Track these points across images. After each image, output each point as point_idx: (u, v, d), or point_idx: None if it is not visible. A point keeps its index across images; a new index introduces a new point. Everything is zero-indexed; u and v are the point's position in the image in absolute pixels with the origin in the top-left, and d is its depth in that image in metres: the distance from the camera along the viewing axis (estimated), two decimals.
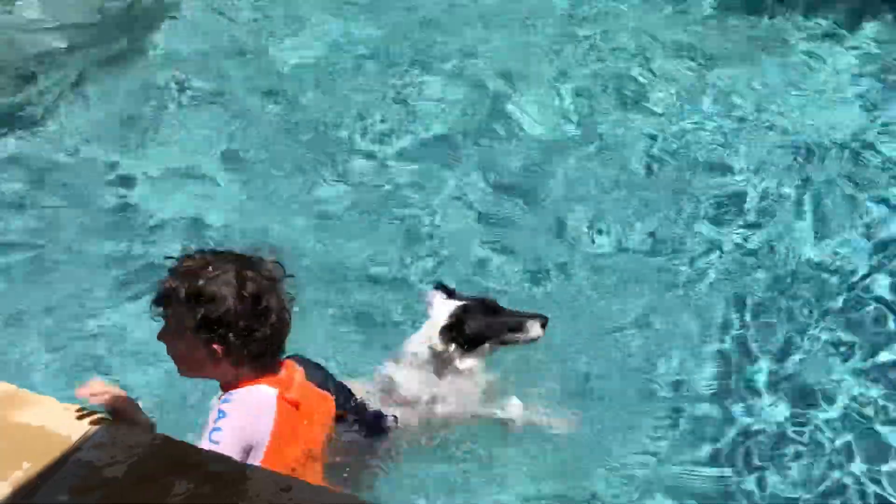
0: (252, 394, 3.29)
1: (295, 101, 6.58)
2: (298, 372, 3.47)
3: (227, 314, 3.17)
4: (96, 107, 6.49)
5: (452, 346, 4.15)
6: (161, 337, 3.34)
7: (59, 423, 3.17)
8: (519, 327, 4.22)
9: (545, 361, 4.63)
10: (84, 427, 3.14)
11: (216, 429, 3.19)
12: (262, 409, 3.27)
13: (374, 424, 3.83)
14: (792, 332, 5.11)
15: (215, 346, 3.22)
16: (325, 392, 3.60)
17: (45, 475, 2.99)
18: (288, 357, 3.48)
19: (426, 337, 4.24)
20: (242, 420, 3.25)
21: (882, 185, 5.89)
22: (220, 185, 5.98)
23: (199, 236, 5.45)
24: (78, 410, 3.19)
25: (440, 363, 4.18)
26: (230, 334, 3.20)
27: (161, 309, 3.30)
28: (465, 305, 4.21)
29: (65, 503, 2.90)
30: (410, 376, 4.21)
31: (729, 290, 5.36)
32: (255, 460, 3.27)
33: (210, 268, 3.21)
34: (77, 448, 3.09)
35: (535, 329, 4.21)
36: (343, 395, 3.75)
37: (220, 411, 3.25)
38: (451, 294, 4.30)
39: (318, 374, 3.66)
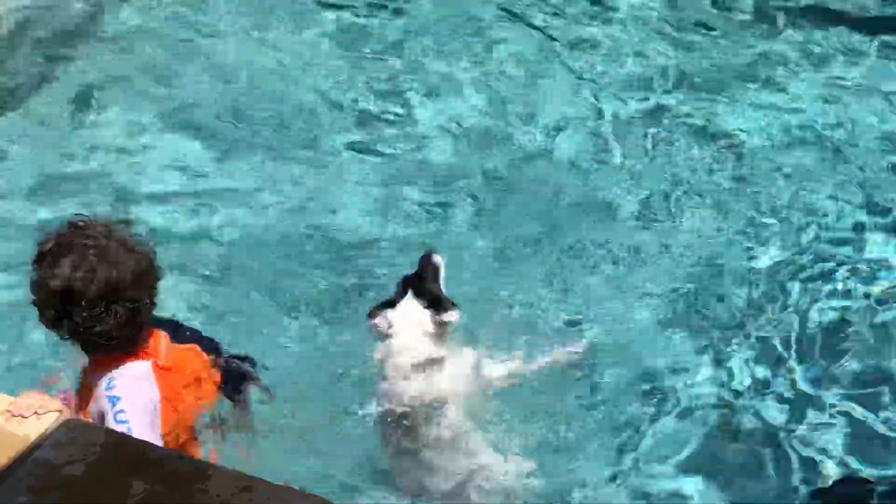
0: (129, 370, 3.43)
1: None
2: (164, 337, 3.57)
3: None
4: None
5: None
6: None
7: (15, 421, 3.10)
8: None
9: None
10: (41, 425, 3.10)
11: (119, 411, 3.33)
12: (143, 380, 3.43)
13: (235, 375, 3.83)
14: None
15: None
16: (192, 345, 3.69)
17: (2, 475, 2.96)
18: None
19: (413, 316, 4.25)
20: (134, 394, 3.40)
21: None
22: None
23: None
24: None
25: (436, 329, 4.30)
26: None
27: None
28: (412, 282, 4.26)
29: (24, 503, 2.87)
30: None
31: None
32: (158, 430, 3.40)
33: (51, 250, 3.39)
34: (36, 447, 3.05)
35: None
36: (210, 344, 3.81)
37: (110, 398, 3.38)
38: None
39: (183, 333, 3.75)
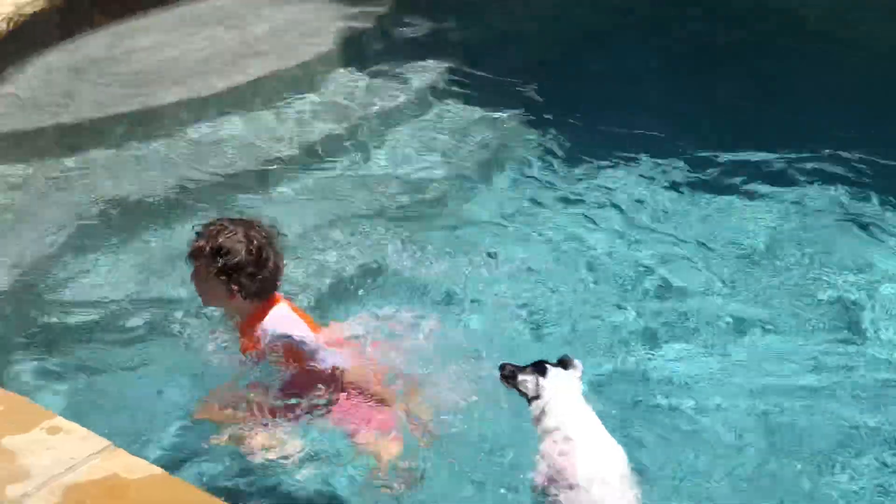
0: (277, 312, 4.32)
1: None
2: (282, 297, 4.46)
3: (239, 263, 4.18)
4: None
5: None
6: (192, 280, 4.37)
7: None
8: None
9: None
10: None
11: (280, 337, 4.23)
12: (283, 313, 4.32)
13: None
14: None
15: (232, 286, 4.21)
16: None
17: None
18: None
19: None
20: (284, 324, 4.29)
21: None
22: None
23: None
24: None
25: None
26: (241, 277, 4.19)
27: (192, 261, 4.30)
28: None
29: None
30: None
31: None
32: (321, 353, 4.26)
33: (218, 233, 4.23)
34: None
35: None
36: None
37: (270, 334, 4.25)
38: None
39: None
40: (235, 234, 4.21)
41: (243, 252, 4.18)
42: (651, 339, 4.74)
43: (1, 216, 5.38)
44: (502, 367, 4.07)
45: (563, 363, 4.04)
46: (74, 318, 4.72)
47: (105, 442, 3.27)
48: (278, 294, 4.39)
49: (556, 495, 3.86)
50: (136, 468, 3.19)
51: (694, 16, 7.76)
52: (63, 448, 3.24)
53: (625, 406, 4.38)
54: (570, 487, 3.82)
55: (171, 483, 3.19)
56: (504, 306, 4.88)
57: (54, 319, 4.70)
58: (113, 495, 3.10)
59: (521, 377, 3.99)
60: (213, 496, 3.18)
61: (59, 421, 3.35)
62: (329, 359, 4.22)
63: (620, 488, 3.83)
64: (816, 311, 4.90)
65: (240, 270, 4.17)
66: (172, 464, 3.68)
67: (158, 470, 3.21)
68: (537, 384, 3.97)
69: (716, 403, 4.40)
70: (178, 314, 4.77)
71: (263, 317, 4.26)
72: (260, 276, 4.21)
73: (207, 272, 4.21)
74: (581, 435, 3.88)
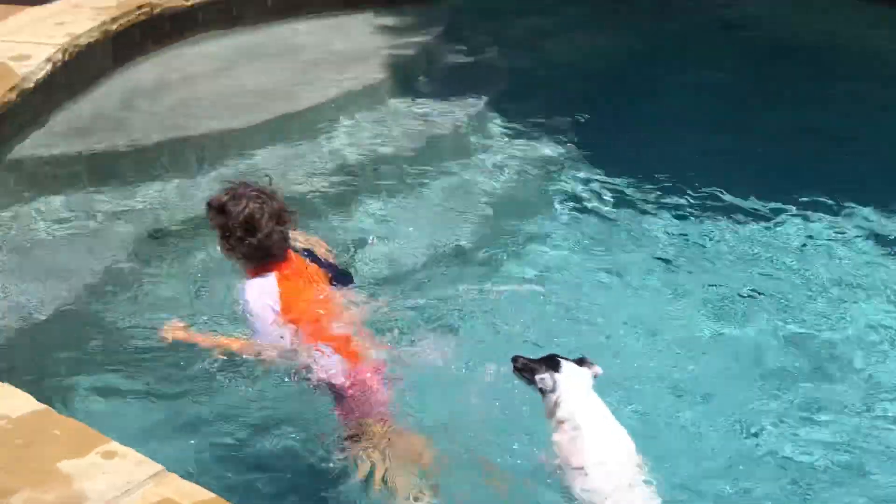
0: (256, 279, 4.68)
1: None
2: (296, 258, 4.81)
3: (225, 226, 4.59)
4: None
5: None
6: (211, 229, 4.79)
7: None
8: None
9: None
10: None
11: (245, 302, 4.64)
12: (264, 285, 4.64)
13: (340, 276, 5.06)
14: None
15: (224, 243, 4.66)
16: (314, 264, 4.93)
17: None
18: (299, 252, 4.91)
19: None
20: (254, 294, 4.64)
21: None
22: None
23: None
24: None
25: None
26: (230, 238, 4.60)
27: (208, 209, 4.75)
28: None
29: None
30: None
31: None
32: (276, 318, 4.58)
33: (231, 194, 4.64)
34: None
35: None
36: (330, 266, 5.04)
37: (241, 294, 4.69)
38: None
39: (311, 257, 4.98)
40: (240, 199, 4.59)
41: (238, 217, 4.56)
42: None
43: (57, 242, 5.47)
44: (515, 360, 4.25)
45: (580, 361, 4.24)
46: (129, 344, 4.81)
47: (158, 466, 3.34)
48: (283, 264, 4.71)
49: (566, 480, 4.12)
50: (189, 493, 3.25)
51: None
52: (118, 472, 3.31)
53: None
54: (579, 471, 4.07)
55: None
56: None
57: (109, 345, 4.78)
58: None
59: (538, 376, 4.17)
60: None
61: (114, 445, 3.41)
62: (270, 339, 4.55)
63: (628, 472, 4.08)
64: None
65: (230, 231, 4.58)
66: (225, 489, 3.66)
67: (210, 494, 3.26)
68: (553, 380, 4.15)
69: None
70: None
71: (251, 278, 4.66)
72: (248, 242, 4.57)
73: (210, 224, 4.72)
74: (591, 423, 4.12)
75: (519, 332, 4.83)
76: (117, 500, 3.18)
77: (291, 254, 4.78)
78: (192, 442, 4.20)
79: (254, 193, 4.64)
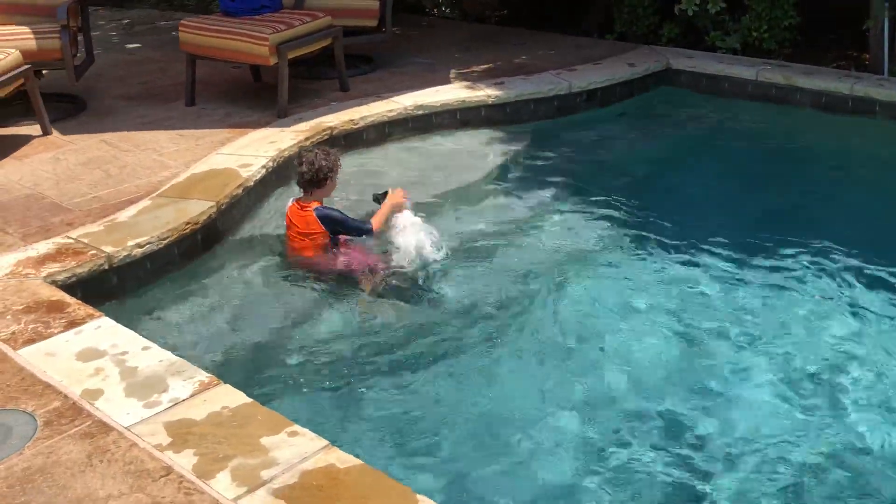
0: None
1: None
2: (298, 205, 5.70)
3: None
4: None
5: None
6: None
7: None
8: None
9: None
10: None
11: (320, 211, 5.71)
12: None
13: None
14: None
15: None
16: (308, 214, 5.67)
17: None
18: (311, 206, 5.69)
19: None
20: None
21: None
22: None
23: None
24: None
25: None
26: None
27: None
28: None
29: None
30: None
31: None
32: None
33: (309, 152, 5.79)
34: None
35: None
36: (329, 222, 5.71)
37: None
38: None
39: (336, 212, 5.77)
40: (305, 154, 5.70)
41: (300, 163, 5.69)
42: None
43: (267, 294, 5.62)
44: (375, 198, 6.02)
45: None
46: (306, 361, 4.92)
47: (325, 441, 3.58)
48: (312, 202, 5.65)
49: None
50: (345, 460, 3.45)
51: None
52: (298, 445, 3.54)
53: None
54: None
55: (369, 472, 3.39)
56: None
57: (294, 359, 4.93)
58: (328, 476, 3.40)
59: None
60: (408, 488, 3.25)
61: (297, 427, 3.64)
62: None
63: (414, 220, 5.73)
64: None
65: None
66: (378, 461, 3.82)
67: (358, 462, 3.47)
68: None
69: None
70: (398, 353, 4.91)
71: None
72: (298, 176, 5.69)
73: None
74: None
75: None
76: (298, 465, 3.40)
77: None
78: (350, 426, 4.35)
79: (316, 150, 5.77)
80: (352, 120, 7.49)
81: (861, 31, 9.06)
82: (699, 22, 9.56)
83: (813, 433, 4.10)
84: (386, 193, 6.06)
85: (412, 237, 5.68)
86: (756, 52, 9.39)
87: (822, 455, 3.99)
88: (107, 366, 4.07)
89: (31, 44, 7.36)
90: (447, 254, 5.79)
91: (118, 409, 3.75)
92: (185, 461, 3.39)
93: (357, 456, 3.45)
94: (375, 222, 5.88)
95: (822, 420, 4.20)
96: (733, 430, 4.16)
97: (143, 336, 4.37)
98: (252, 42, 7.55)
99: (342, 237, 5.78)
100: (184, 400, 3.77)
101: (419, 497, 3.24)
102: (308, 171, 5.65)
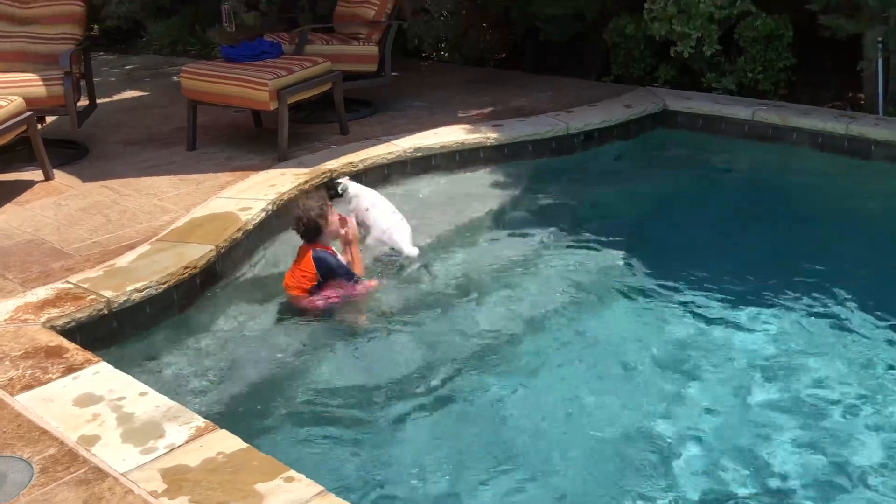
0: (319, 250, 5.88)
1: None
2: (303, 251, 5.82)
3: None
4: None
5: None
6: None
7: None
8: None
9: None
10: None
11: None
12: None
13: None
14: None
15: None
16: (307, 261, 5.78)
17: None
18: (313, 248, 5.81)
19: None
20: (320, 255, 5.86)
21: None
22: None
23: None
24: None
25: None
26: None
27: None
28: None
29: None
30: None
31: None
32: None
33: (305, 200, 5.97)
34: None
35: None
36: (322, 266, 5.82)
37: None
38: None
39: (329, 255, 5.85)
40: (298, 204, 5.89)
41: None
42: None
43: (259, 335, 5.62)
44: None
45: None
46: (307, 404, 4.97)
47: (320, 487, 3.58)
48: (310, 247, 5.76)
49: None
50: None
51: None
52: (293, 491, 3.55)
53: None
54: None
55: None
56: None
57: (290, 403, 4.94)
58: None
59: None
60: None
61: (292, 473, 3.64)
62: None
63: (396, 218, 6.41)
64: None
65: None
66: None
67: None
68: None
69: None
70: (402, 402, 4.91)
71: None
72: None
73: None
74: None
75: None
76: None
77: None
78: (344, 472, 4.35)
79: (305, 199, 5.93)
80: (351, 163, 7.58)
81: (856, 72, 9.19)
82: (695, 64, 9.72)
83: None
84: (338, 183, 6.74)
85: (384, 247, 6.33)
86: (752, 93, 9.53)
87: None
88: (104, 411, 4.10)
89: (34, 91, 7.52)
90: (426, 244, 6.42)
91: (114, 455, 3.80)
92: None
93: (352, 502, 3.47)
94: (357, 270, 5.96)
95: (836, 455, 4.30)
96: (753, 462, 4.26)
97: (141, 381, 4.41)
98: (252, 87, 7.67)
99: (327, 285, 5.79)
100: (179, 446, 3.79)
101: None
102: (301, 226, 5.80)
